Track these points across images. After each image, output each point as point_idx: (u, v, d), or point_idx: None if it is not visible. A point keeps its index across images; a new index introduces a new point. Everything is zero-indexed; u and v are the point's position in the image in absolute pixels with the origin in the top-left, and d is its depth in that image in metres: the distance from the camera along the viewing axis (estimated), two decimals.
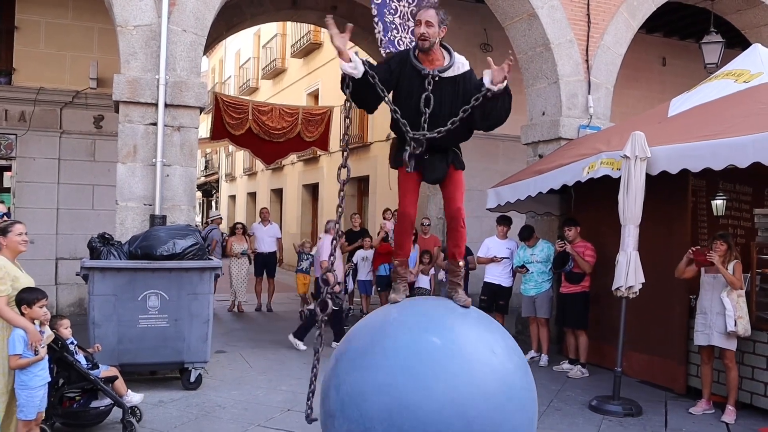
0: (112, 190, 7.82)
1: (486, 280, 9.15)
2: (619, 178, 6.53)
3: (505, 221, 9.14)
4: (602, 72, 9.63)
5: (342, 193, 3.84)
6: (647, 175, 6.39)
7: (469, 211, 10.67)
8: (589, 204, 8.51)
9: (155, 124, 7.25)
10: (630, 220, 6.40)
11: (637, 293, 6.49)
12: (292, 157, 18.88)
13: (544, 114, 9.64)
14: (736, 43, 11.86)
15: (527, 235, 8.64)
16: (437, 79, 3.85)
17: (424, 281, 10.04)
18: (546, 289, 8.45)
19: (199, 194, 34.32)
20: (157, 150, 7.22)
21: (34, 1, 10.79)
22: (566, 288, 8.08)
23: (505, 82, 3.76)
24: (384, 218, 12.71)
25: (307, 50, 20.92)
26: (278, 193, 24.94)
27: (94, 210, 10.89)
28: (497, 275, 9.02)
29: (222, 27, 12.71)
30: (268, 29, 24.04)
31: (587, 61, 9.50)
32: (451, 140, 3.99)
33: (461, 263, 4.23)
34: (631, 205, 6.35)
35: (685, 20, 12.76)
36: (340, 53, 3.69)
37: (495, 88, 3.76)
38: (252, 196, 28.06)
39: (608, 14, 9.69)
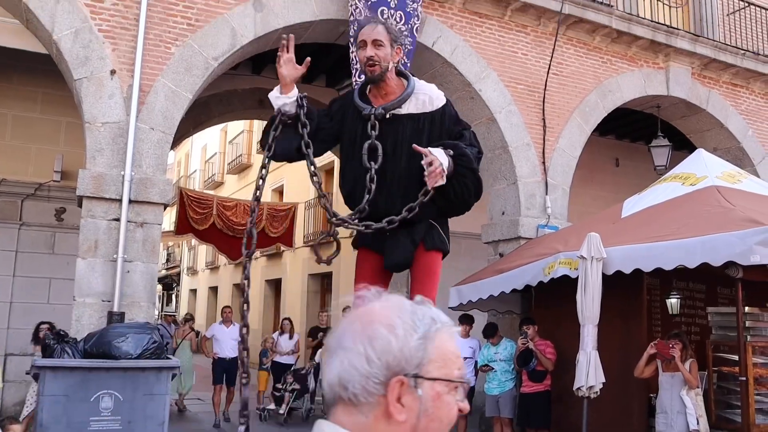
0: (70, 284, 7.69)
1: None
2: (577, 277, 6.68)
3: (467, 320, 9.16)
4: (558, 173, 9.99)
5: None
6: (603, 275, 6.56)
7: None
8: (549, 302, 8.62)
9: (118, 219, 7.23)
10: (588, 319, 6.51)
11: (598, 393, 6.51)
12: (256, 252, 18.81)
13: (503, 213, 9.88)
14: (683, 145, 12.46)
15: (491, 333, 8.65)
16: (387, 118, 2.86)
17: None
18: (510, 388, 8.40)
19: (159, 287, 33.71)
20: (118, 246, 7.17)
21: (3, 93, 10.86)
22: (528, 387, 8.06)
23: (438, 171, 2.70)
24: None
25: None
26: (240, 288, 24.64)
27: (49, 304, 10.59)
28: None
29: (189, 124, 12.92)
30: (235, 125, 24.47)
31: (544, 163, 9.86)
32: (424, 208, 2.84)
33: None
34: (588, 305, 6.47)
35: (635, 124, 13.40)
36: (284, 84, 2.86)
37: (431, 185, 2.75)
38: (214, 290, 27.66)
39: (563, 119, 10.16)
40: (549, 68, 9.98)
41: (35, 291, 10.64)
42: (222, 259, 24.11)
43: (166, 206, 7.63)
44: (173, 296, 36.76)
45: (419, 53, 9.19)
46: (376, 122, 2.85)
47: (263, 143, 2.97)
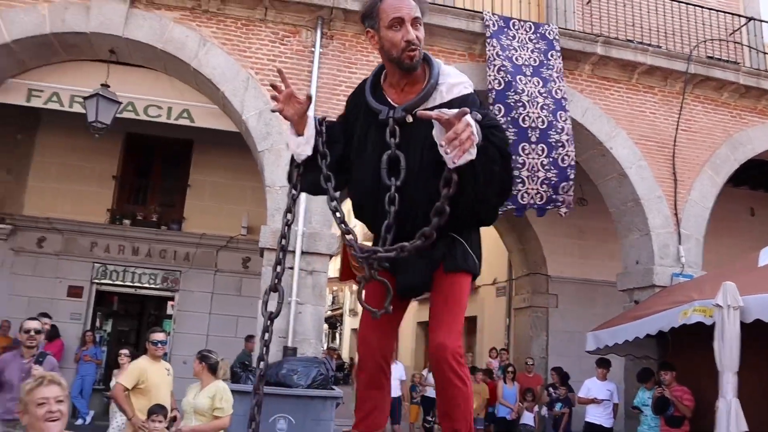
0: (253, 321, 8.17)
1: (587, 419, 8.57)
2: (713, 324, 6.13)
3: (604, 363, 8.66)
4: (691, 224, 9.31)
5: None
6: (742, 323, 5.97)
7: (570, 351, 10.34)
8: (685, 349, 7.94)
9: (292, 268, 7.62)
10: (727, 367, 5.92)
11: None
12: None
13: (638, 263, 9.33)
14: None
15: (646, 378, 7.98)
16: (409, 122, 2.09)
17: (528, 418, 9.53)
18: None
19: (325, 326, 34.82)
20: (292, 290, 7.53)
21: (205, 164, 11.94)
22: None
23: (468, 134, 1.82)
24: (490, 356, 12.36)
25: None
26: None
27: (236, 338, 11.25)
28: (598, 416, 8.43)
29: None
30: None
31: (676, 214, 9.25)
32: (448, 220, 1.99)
33: None
34: (727, 353, 5.90)
35: None
36: (295, 123, 2.19)
37: (451, 162, 1.89)
38: None
39: (693, 172, 9.52)
40: (678, 125, 9.44)
41: (226, 326, 11.38)
42: None
43: (331, 256, 7.94)
44: (337, 334, 37.76)
45: None
46: (396, 128, 2.07)
47: (290, 178, 2.32)
